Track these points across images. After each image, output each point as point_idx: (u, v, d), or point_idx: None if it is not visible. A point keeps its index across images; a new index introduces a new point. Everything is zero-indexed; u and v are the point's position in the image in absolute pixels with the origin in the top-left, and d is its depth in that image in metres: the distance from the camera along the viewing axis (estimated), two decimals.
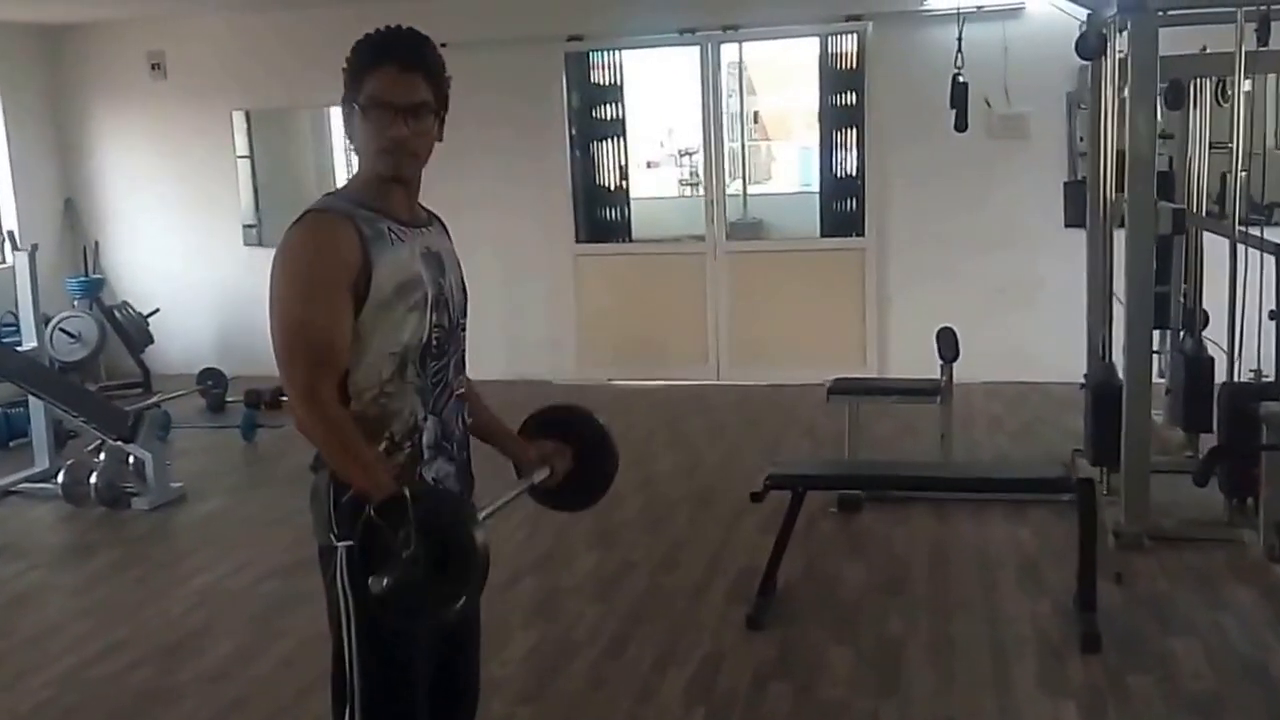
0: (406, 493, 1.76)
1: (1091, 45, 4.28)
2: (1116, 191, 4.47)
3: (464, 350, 2.11)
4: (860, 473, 4.47)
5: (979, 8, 5.76)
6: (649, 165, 13.52)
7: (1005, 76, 6.30)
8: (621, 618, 3.90)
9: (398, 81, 1.90)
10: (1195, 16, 4.19)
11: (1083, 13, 4.52)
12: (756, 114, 13.88)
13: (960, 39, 4.93)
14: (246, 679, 3.62)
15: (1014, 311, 6.95)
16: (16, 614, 4.28)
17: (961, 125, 5.03)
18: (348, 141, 2.01)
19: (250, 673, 3.65)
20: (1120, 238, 4.45)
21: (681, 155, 13.66)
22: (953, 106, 5.11)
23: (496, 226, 7.69)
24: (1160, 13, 3.89)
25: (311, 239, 1.91)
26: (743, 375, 7.51)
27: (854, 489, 4.64)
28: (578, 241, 7.86)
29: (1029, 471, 4.50)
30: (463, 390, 2.11)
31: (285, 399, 1.96)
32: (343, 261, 1.88)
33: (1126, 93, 4.14)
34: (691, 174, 13.16)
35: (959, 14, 4.95)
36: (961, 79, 4.97)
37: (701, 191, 11.81)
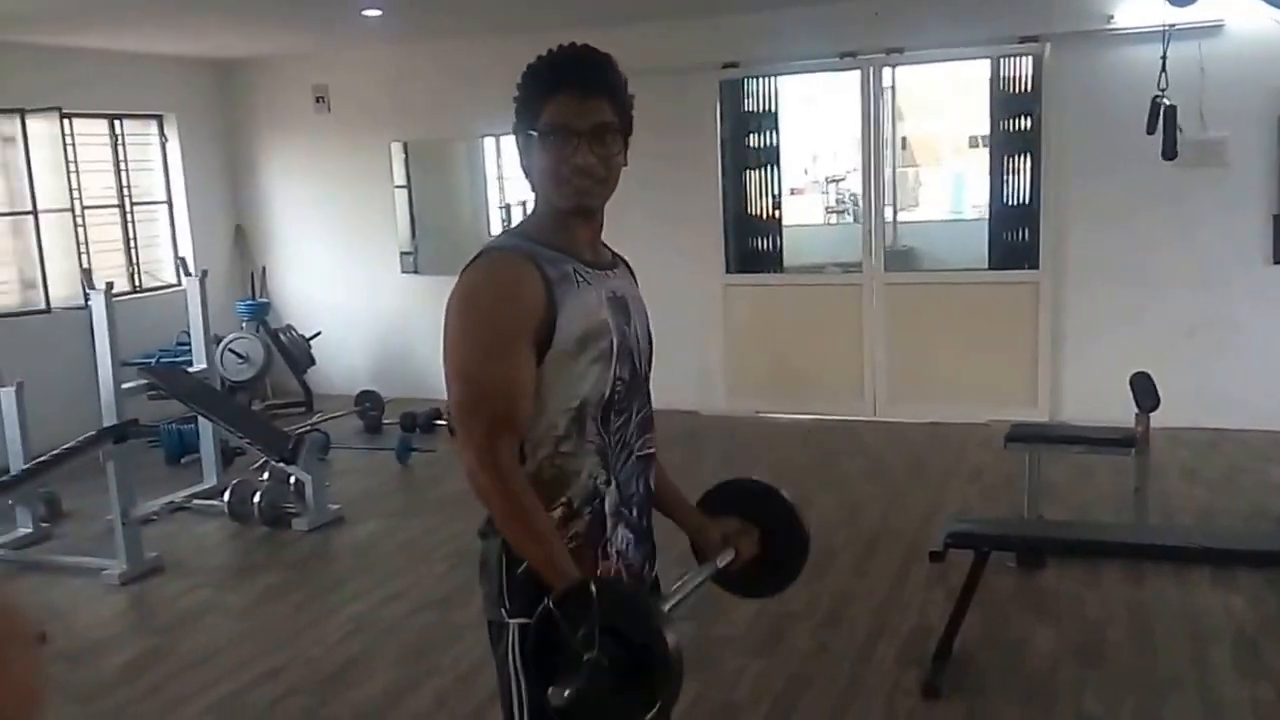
0: (592, 587, 1.56)
1: None
2: None
3: (650, 406, 1.91)
4: (1058, 535, 4.07)
5: (1172, 25, 5.32)
6: (792, 192, 13.33)
7: (1201, 99, 5.83)
8: (786, 678, 3.68)
9: (581, 105, 1.74)
10: None
11: None
12: (905, 139, 13.58)
13: (1165, 58, 4.55)
14: (401, 717, 3.55)
15: (1205, 354, 6.42)
16: (181, 634, 4.36)
17: (1170, 152, 4.63)
18: (525, 175, 1.84)
19: (404, 710, 3.60)
20: None
21: (829, 182, 13.41)
22: (1151, 131, 4.72)
23: (645, 255, 7.44)
24: None
25: (492, 283, 1.73)
26: (901, 412, 7.19)
27: (1049, 553, 4.28)
28: (728, 271, 7.69)
29: (1270, 543, 4.03)
30: (648, 451, 1.91)
31: (447, 426, 1.80)
32: (526, 308, 1.70)
33: None
34: (839, 201, 12.89)
35: (1165, 31, 4.55)
36: (1168, 102, 4.57)
37: (850, 219, 11.62)
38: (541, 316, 1.71)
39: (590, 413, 1.77)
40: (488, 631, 1.83)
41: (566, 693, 1.52)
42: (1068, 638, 3.87)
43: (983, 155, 9.88)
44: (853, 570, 4.63)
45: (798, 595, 4.31)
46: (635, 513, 1.88)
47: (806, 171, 13.54)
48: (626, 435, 1.84)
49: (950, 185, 13.40)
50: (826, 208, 13.23)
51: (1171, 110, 4.58)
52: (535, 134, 1.75)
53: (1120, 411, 4.88)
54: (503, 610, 1.78)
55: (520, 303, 1.70)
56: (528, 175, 1.83)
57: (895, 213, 10.85)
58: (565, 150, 1.74)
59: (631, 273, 1.98)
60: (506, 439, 1.70)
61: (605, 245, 1.92)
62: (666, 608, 1.70)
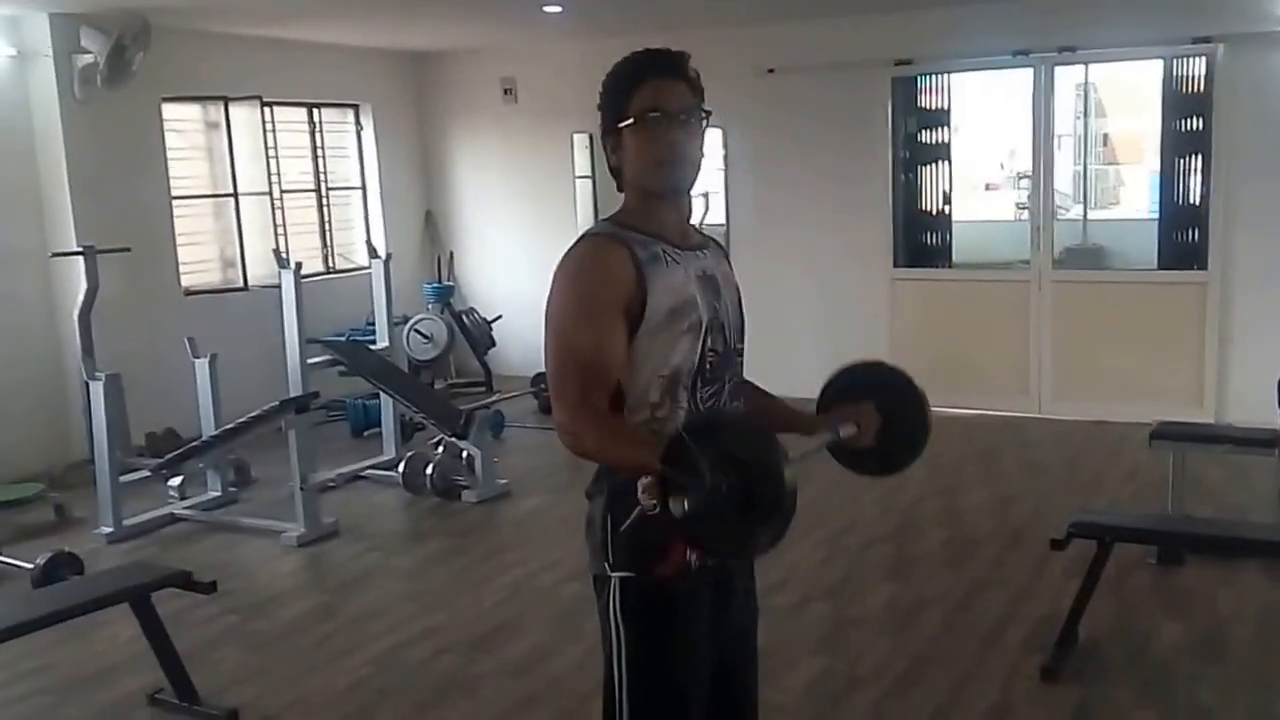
0: (683, 434, 1.70)
1: None
2: None
3: (740, 376, 2.07)
4: (1175, 528, 4.06)
5: None
6: (987, 188, 13.15)
7: None
8: (910, 657, 3.80)
9: (669, 89, 1.91)
10: None
11: None
12: (1106, 136, 13.15)
13: None
14: (541, 677, 3.78)
15: None
16: (349, 594, 4.68)
17: None
18: (613, 174, 2.00)
19: (546, 671, 3.82)
20: None
21: (1020, 178, 13.12)
22: None
23: (814, 247, 7.75)
24: None
25: (584, 262, 1.90)
26: (1065, 410, 7.12)
27: (1166, 545, 4.26)
28: (896, 266, 7.73)
29: None
30: None
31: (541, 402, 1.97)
32: (617, 283, 1.87)
33: None
34: (1029, 197, 12.61)
35: None
36: None
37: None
38: (632, 293, 1.87)
39: (683, 381, 1.92)
40: (592, 585, 1.99)
41: (686, 504, 1.65)
42: (1194, 633, 3.86)
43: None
44: (993, 560, 4.69)
45: (934, 580, 4.45)
46: None
47: (1003, 166, 13.33)
48: (720, 402, 1.98)
49: (1151, 184, 12.92)
50: (1017, 204, 12.99)
51: None
52: (629, 122, 1.92)
53: None
54: (606, 565, 1.94)
55: (610, 279, 1.87)
56: (616, 173, 2.00)
57: (1085, 210, 10.61)
58: (658, 130, 1.90)
59: (724, 253, 2.13)
60: (597, 394, 1.86)
61: (695, 229, 2.08)
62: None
